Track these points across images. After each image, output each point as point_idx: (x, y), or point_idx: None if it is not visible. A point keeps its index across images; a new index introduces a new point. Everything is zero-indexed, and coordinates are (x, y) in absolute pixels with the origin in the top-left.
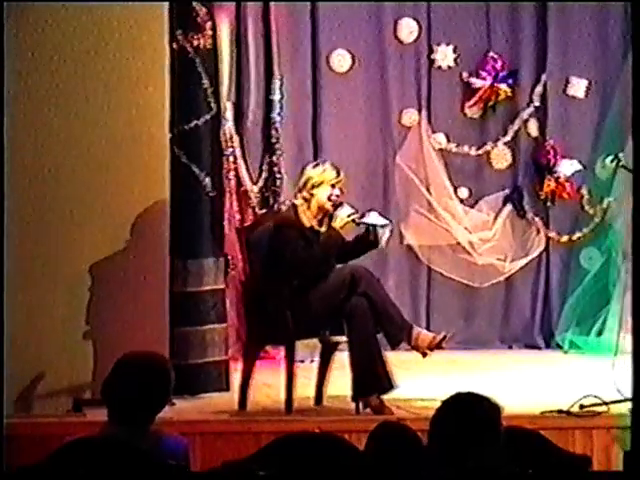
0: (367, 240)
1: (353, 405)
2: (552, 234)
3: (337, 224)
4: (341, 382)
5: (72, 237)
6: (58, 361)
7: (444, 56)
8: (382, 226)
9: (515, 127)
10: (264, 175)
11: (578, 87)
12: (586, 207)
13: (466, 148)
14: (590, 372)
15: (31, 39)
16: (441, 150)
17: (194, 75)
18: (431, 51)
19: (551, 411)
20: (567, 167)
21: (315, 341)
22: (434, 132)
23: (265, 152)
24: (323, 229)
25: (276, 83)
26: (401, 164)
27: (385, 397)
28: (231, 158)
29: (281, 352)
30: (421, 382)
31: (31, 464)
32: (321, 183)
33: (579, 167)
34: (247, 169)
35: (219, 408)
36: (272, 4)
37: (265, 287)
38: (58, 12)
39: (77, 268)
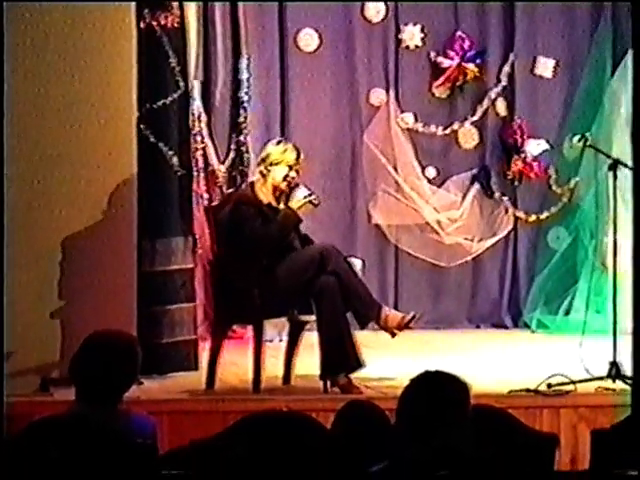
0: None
1: (321, 384)
2: (520, 214)
3: (293, 205)
4: (309, 361)
5: (39, 217)
6: (26, 340)
7: (412, 36)
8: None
9: (483, 107)
10: (232, 154)
11: (545, 67)
12: (554, 187)
13: (434, 128)
14: (558, 351)
15: None
16: (409, 130)
17: (162, 54)
18: (399, 31)
19: (519, 390)
20: (534, 147)
21: (283, 320)
22: (402, 112)
23: (232, 131)
24: (281, 206)
25: (243, 62)
26: (369, 143)
27: (353, 376)
28: (199, 137)
29: (249, 331)
30: (389, 361)
31: None
32: (280, 162)
33: (546, 147)
34: (215, 148)
35: (187, 387)
36: None
37: (233, 266)
38: None
39: (45, 248)
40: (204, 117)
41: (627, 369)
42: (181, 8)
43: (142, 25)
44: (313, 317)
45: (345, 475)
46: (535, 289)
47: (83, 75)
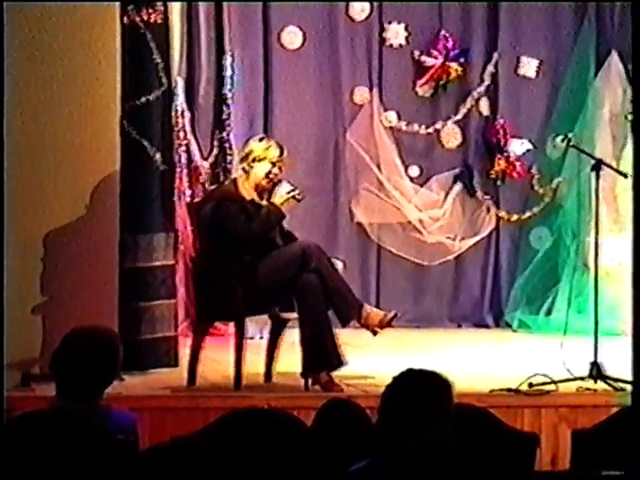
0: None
1: (302, 382)
2: (502, 213)
3: (277, 201)
4: (291, 359)
5: (21, 212)
6: (7, 336)
7: (396, 34)
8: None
9: (467, 106)
10: (215, 151)
11: (529, 67)
12: (536, 187)
13: (417, 126)
14: (539, 351)
15: None
16: (392, 128)
17: (145, 50)
18: (383, 29)
19: (500, 389)
20: (517, 146)
21: (265, 317)
22: (385, 110)
23: (216, 128)
24: (264, 203)
25: (227, 59)
26: (352, 142)
27: (334, 374)
28: (182, 134)
29: (230, 328)
30: (370, 360)
31: None
32: (263, 159)
33: (529, 146)
34: (198, 145)
35: (168, 384)
36: None
37: (215, 263)
38: None
39: (26, 243)
40: (188, 114)
41: (608, 369)
42: (165, 5)
43: (126, 21)
44: (295, 314)
45: (325, 473)
46: (517, 289)
47: (67, 71)
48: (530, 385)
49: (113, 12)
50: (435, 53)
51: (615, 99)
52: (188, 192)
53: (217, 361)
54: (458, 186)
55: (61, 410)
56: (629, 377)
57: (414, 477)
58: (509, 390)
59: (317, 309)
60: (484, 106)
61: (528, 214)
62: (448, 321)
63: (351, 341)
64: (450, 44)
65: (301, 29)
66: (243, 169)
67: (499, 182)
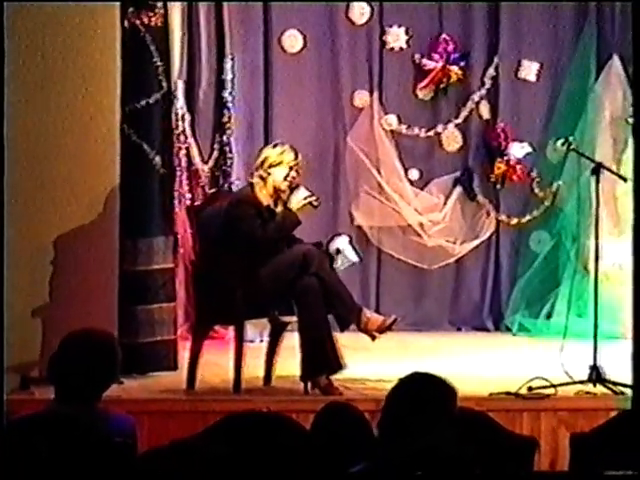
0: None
1: (302, 385)
2: (502, 217)
3: (293, 206)
4: (290, 362)
5: (20, 216)
6: (6, 339)
7: (396, 38)
8: (350, 260)
9: (467, 109)
10: (215, 154)
11: (530, 70)
12: (536, 190)
13: (417, 130)
14: (539, 355)
15: None
16: (392, 132)
17: (145, 53)
18: (383, 32)
19: (499, 393)
20: (518, 150)
21: (264, 321)
22: (385, 113)
23: (216, 132)
24: (279, 209)
25: (228, 63)
26: (352, 145)
27: (334, 378)
28: (182, 137)
29: (230, 332)
30: (370, 363)
31: None
32: (279, 163)
33: (530, 150)
34: (198, 148)
35: (167, 387)
36: None
37: (215, 266)
38: None
39: (26, 246)
40: (188, 117)
41: (608, 373)
42: (165, 8)
43: (126, 24)
44: (294, 318)
45: (324, 476)
46: (517, 292)
47: (66, 74)
48: (529, 389)
49: (113, 15)
50: (435, 56)
51: (616, 103)
52: (188, 195)
53: (217, 364)
54: (458, 189)
55: (59, 413)
56: (629, 381)
57: None
58: (508, 394)
59: (317, 313)
60: (484, 109)
61: (528, 217)
62: (448, 324)
63: (351, 344)
64: (451, 47)
65: (301, 33)
66: (260, 176)
67: (499, 185)
